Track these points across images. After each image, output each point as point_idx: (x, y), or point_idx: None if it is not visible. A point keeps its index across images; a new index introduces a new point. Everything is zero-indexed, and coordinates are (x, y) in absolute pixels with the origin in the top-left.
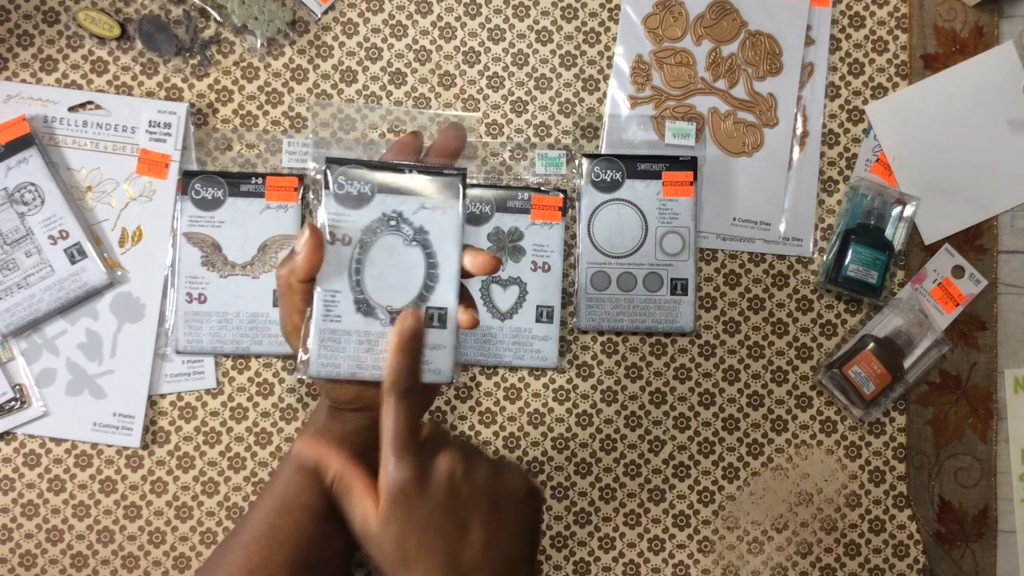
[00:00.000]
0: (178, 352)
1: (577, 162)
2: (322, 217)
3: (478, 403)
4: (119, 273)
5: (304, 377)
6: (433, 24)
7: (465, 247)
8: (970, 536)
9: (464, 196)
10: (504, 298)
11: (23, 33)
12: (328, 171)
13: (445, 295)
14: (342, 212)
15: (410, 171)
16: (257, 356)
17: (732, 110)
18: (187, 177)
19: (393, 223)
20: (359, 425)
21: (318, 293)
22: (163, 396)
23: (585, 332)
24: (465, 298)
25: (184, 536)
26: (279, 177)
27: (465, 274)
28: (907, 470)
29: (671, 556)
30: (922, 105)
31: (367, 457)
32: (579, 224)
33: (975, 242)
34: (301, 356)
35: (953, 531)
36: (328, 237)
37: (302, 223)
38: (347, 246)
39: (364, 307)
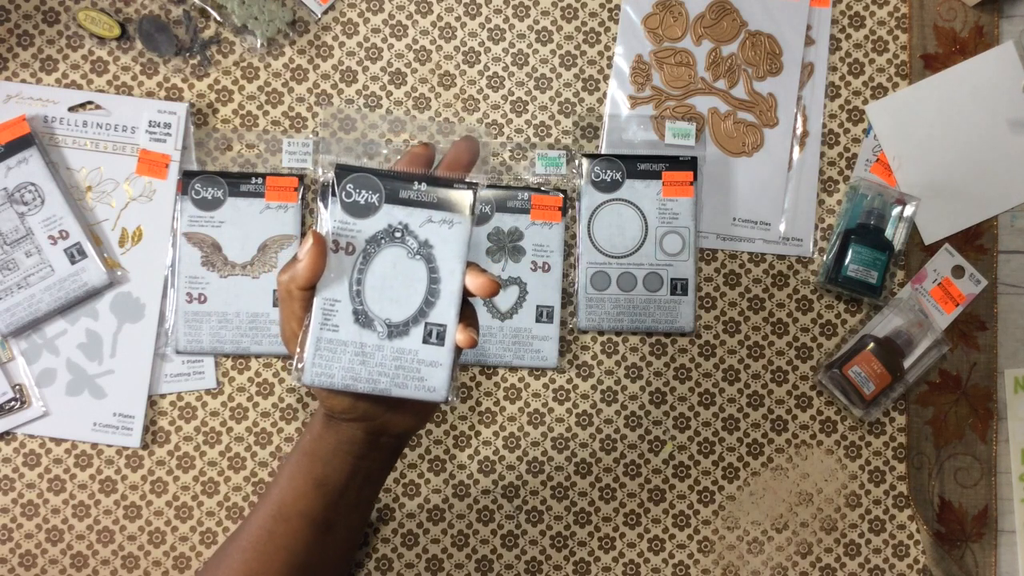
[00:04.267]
0: (178, 352)
1: (577, 162)
2: (327, 224)
3: (478, 403)
4: (119, 273)
5: (298, 384)
6: (433, 24)
7: (469, 265)
8: (970, 536)
9: (474, 211)
10: (504, 298)
11: (23, 33)
12: (337, 178)
13: (445, 312)
14: (348, 221)
15: (420, 182)
16: (257, 356)
17: (732, 110)
18: (187, 177)
19: (398, 235)
20: (354, 435)
21: (317, 301)
22: (163, 396)
23: (585, 332)
24: (467, 316)
25: (184, 536)
26: (279, 177)
27: (466, 292)
28: (907, 470)
29: (671, 556)
30: (922, 105)
31: (361, 466)
32: (579, 224)
33: (975, 242)
34: (297, 363)
35: (953, 531)
36: (331, 245)
37: (302, 223)
38: (350, 255)
39: (362, 318)
